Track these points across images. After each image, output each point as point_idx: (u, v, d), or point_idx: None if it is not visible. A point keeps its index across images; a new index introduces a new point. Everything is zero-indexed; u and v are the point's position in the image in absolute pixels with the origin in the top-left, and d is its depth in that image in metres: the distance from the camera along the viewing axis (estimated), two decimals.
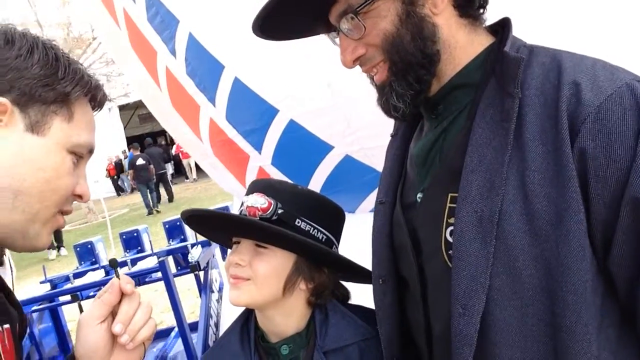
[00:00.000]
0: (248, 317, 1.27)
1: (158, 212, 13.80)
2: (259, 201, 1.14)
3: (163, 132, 22.42)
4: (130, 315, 0.86)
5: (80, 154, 0.83)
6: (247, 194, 1.21)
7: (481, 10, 0.95)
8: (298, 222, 1.16)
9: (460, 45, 0.93)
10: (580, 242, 0.78)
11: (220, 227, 1.23)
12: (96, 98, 0.86)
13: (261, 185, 1.21)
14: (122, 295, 0.87)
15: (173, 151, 20.01)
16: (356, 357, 1.15)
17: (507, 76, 0.86)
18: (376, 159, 1.99)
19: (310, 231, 1.17)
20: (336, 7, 0.93)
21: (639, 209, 0.75)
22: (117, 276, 0.88)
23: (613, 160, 0.76)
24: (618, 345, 0.83)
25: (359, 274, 1.25)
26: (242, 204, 1.19)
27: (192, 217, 1.23)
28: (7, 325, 0.79)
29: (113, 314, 0.87)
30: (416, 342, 1.07)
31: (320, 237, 1.19)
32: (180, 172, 20.55)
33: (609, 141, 0.76)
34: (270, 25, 1.00)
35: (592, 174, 0.77)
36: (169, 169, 19.69)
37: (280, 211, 1.15)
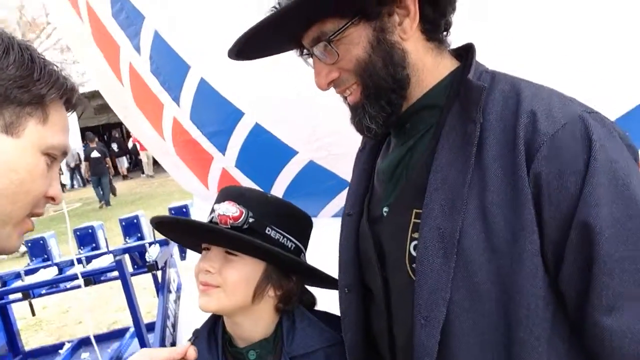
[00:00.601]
0: (215, 322, 1.28)
1: (109, 205, 13.52)
2: (230, 210, 1.16)
3: (119, 124, 21.89)
4: None
5: (54, 156, 0.82)
6: (218, 201, 1.22)
7: (445, 33, 0.99)
8: (268, 231, 1.18)
9: (428, 69, 0.97)
10: (534, 260, 0.82)
11: (190, 234, 1.24)
12: (71, 100, 0.85)
13: (232, 193, 1.22)
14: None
15: (130, 144, 19.55)
16: None
17: (470, 102, 0.90)
18: (340, 166, 2.02)
19: (280, 240, 1.19)
20: (309, 33, 0.96)
21: (586, 232, 0.79)
22: (192, 343, 1.03)
23: (564, 186, 0.80)
24: (567, 357, 0.87)
25: (325, 281, 1.28)
26: (213, 210, 1.20)
27: (162, 222, 1.23)
28: None
29: None
30: (379, 350, 1.10)
31: (290, 246, 1.21)
32: (137, 166, 20.11)
33: (561, 168, 0.81)
34: (245, 48, 1.02)
35: (546, 197, 0.81)
36: (124, 162, 19.24)
37: (251, 220, 1.16)
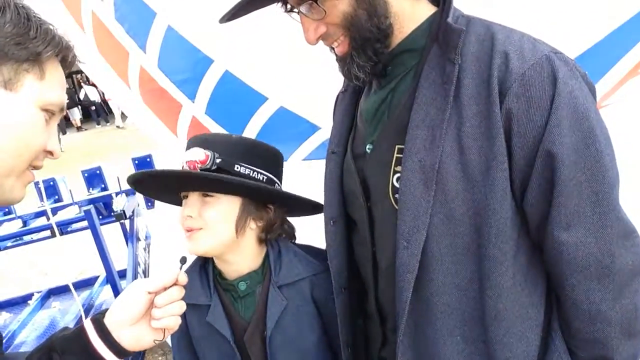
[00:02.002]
0: (206, 259, 1.35)
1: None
2: (197, 154, 1.20)
3: (69, 75, 20.97)
4: (174, 298, 0.95)
5: (52, 112, 0.85)
6: (186, 150, 1.26)
7: None
8: (237, 168, 1.23)
9: (407, 15, 1.03)
10: (504, 187, 0.93)
11: (165, 186, 1.29)
12: (67, 58, 0.87)
13: (197, 141, 1.27)
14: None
15: (82, 94, 18.81)
16: (308, 290, 1.29)
17: (448, 44, 0.97)
18: (310, 110, 2.08)
19: (251, 174, 1.25)
20: None
21: (549, 159, 0.90)
22: (181, 269, 1.00)
23: (532, 119, 0.90)
24: (528, 270, 1.01)
25: (301, 205, 1.36)
26: (183, 160, 1.24)
27: (136, 180, 1.28)
28: None
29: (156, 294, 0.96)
30: (363, 275, 1.21)
31: (261, 178, 1.27)
32: (89, 116, 19.42)
33: (529, 103, 0.90)
34: (233, 10, 1.06)
35: (515, 130, 0.91)
36: (77, 114, 18.56)
37: (218, 160, 1.21)
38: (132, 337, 0.93)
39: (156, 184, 1.34)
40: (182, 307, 0.96)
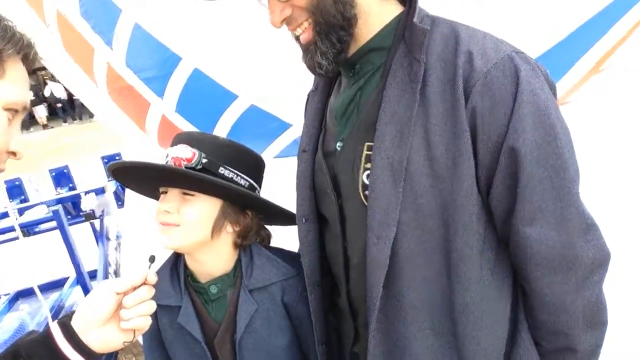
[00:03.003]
0: (177, 260, 1.34)
1: None
2: (184, 152, 1.20)
3: (34, 72, 20.43)
4: (142, 299, 0.92)
5: (15, 110, 0.83)
6: (171, 146, 1.25)
7: None
8: (221, 170, 1.23)
9: (374, 13, 1.04)
10: (469, 182, 0.95)
11: (147, 178, 1.27)
12: (28, 56, 0.86)
13: (184, 138, 1.26)
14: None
15: (47, 92, 18.36)
16: (279, 294, 1.29)
17: (414, 44, 0.99)
18: (280, 108, 2.08)
19: (234, 178, 1.25)
20: None
21: (513, 155, 0.92)
22: (150, 268, 0.97)
23: (495, 117, 0.92)
24: (495, 264, 1.04)
25: (279, 215, 1.36)
26: (167, 155, 1.23)
27: (118, 169, 1.25)
28: None
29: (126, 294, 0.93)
30: (334, 271, 1.23)
31: (243, 183, 1.27)
32: (55, 114, 18.99)
33: (493, 101, 0.92)
34: None
35: (480, 127, 0.93)
36: (43, 111, 18.12)
37: (204, 160, 1.21)
38: (100, 339, 0.92)
39: (137, 176, 1.31)
40: (151, 307, 0.94)
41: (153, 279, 0.95)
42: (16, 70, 0.83)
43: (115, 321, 0.93)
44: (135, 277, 0.94)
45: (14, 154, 0.86)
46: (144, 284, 0.94)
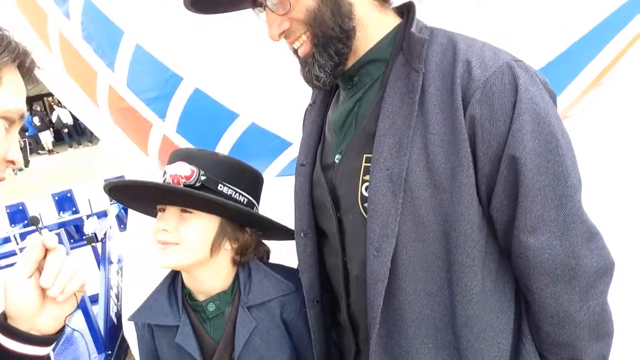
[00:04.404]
0: (174, 278, 1.32)
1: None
2: (182, 169, 1.18)
3: (41, 97, 20.69)
4: (57, 268, 0.85)
5: (12, 119, 0.83)
6: (169, 163, 1.24)
7: None
8: (220, 187, 1.22)
9: (372, 24, 1.04)
10: (470, 192, 0.94)
11: (145, 197, 1.25)
12: (24, 64, 0.85)
13: (182, 155, 1.26)
14: (47, 251, 0.86)
15: (54, 117, 18.53)
16: (277, 310, 1.26)
17: (413, 54, 0.98)
18: (281, 126, 2.08)
19: (233, 195, 1.24)
20: None
21: (513, 164, 0.91)
22: (39, 233, 0.87)
23: (495, 125, 0.91)
24: (497, 275, 1.02)
25: (278, 231, 1.34)
26: (165, 172, 1.22)
27: (114, 187, 1.24)
28: None
29: (39, 270, 0.86)
30: (334, 285, 1.20)
31: (242, 200, 1.26)
32: (61, 139, 19.12)
33: (492, 110, 0.91)
34: (200, 2, 1.06)
35: (479, 136, 0.92)
36: (49, 137, 18.26)
37: (202, 178, 1.20)
38: (47, 320, 0.87)
39: (133, 194, 1.29)
40: (72, 265, 0.87)
41: (52, 239, 0.86)
42: (12, 79, 0.83)
43: (49, 300, 0.87)
44: (33, 250, 0.86)
45: (13, 162, 0.85)
46: (48, 250, 0.86)
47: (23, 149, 14.18)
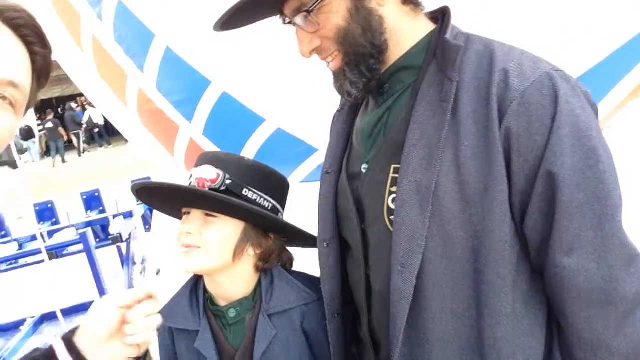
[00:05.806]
0: (197, 283, 1.31)
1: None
2: (208, 173, 1.17)
3: (74, 97, 21.13)
4: (145, 314, 0.90)
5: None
6: (196, 166, 1.24)
7: None
8: (245, 192, 1.21)
9: (405, 32, 1.00)
10: (503, 208, 0.89)
11: (170, 199, 1.25)
12: (9, 19, 0.78)
13: (209, 158, 1.24)
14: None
15: (85, 118, 18.90)
16: (298, 319, 1.23)
17: (447, 61, 0.94)
18: (307, 132, 2.06)
19: (257, 200, 1.22)
20: (290, 3, 0.99)
21: (550, 180, 0.86)
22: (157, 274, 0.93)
23: (532, 139, 0.86)
24: (529, 297, 0.96)
25: (302, 239, 1.32)
26: (191, 175, 1.22)
27: (141, 189, 1.24)
28: None
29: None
30: (356, 299, 1.16)
31: (267, 205, 1.24)
32: (92, 139, 19.49)
33: (530, 122, 0.86)
34: (229, 20, 1.04)
35: (515, 150, 0.87)
36: (81, 136, 18.63)
37: (228, 182, 1.18)
38: (104, 355, 0.88)
39: (159, 196, 1.29)
40: (156, 320, 0.91)
41: (156, 292, 0.92)
42: None
43: (119, 336, 0.89)
44: (139, 290, 0.91)
45: None
46: (149, 297, 0.91)
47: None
